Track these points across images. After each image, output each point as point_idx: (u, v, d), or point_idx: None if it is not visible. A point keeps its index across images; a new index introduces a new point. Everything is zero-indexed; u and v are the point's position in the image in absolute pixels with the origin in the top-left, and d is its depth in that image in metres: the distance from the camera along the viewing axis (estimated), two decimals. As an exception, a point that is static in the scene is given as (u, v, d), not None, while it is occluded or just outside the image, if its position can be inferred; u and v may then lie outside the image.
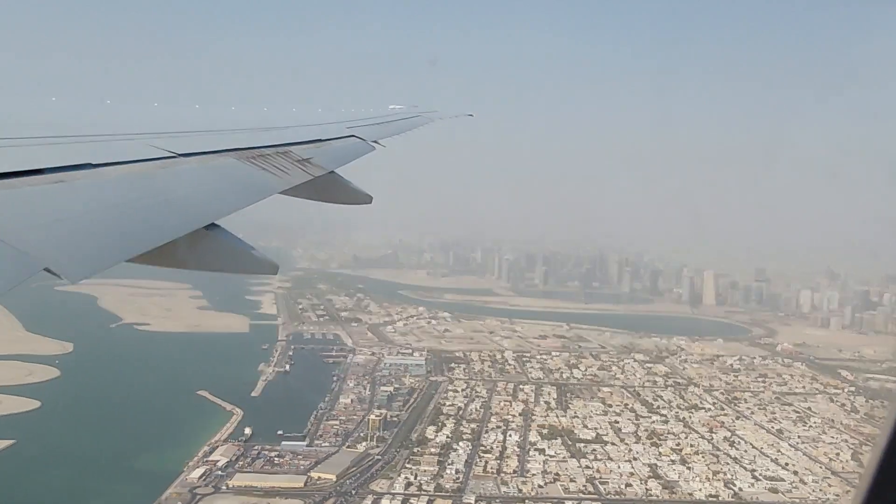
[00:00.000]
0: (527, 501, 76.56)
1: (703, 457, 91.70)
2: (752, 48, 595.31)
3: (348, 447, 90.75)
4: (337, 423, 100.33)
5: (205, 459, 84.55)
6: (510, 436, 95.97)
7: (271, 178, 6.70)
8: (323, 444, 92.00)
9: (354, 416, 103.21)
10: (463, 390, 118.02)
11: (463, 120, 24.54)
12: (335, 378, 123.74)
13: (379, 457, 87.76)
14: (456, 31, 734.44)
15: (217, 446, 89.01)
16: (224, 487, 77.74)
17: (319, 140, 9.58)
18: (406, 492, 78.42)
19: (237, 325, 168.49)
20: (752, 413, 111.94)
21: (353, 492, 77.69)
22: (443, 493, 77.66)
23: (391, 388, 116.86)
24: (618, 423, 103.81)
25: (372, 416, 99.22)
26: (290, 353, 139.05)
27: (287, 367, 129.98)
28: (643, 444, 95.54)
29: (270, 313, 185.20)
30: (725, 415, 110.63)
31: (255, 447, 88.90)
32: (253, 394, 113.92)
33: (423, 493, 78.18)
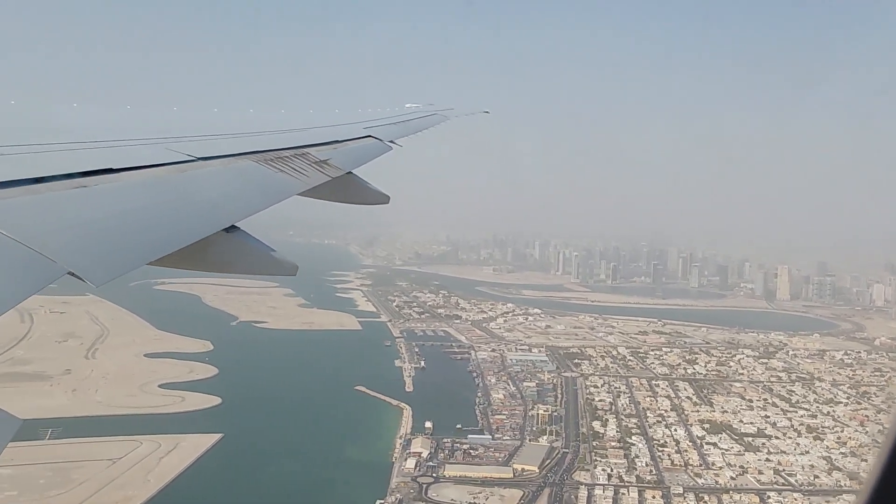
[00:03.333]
0: (731, 492, 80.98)
1: (869, 449, 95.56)
2: (786, 38, 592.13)
3: (531, 440, 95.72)
4: (503, 417, 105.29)
5: (408, 451, 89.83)
6: (675, 430, 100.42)
7: (289, 180, 6.80)
8: (504, 438, 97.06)
9: (515, 411, 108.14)
10: (601, 386, 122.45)
11: (489, 116, 24.75)
12: (473, 374, 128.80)
13: (566, 450, 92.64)
14: (472, 28, 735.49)
15: (410, 439, 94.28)
16: (441, 477, 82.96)
17: (336, 141, 9.70)
18: (609, 482, 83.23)
19: (348, 322, 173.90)
20: (890, 406, 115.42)
21: (563, 481, 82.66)
22: (649, 485, 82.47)
23: (533, 384, 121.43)
24: (768, 417, 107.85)
25: (540, 411, 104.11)
26: (417, 351, 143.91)
27: (422, 363, 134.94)
28: (805, 437, 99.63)
29: (370, 311, 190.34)
30: (865, 409, 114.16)
31: (446, 440, 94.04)
32: (407, 389, 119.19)
33: (628, 483, 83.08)
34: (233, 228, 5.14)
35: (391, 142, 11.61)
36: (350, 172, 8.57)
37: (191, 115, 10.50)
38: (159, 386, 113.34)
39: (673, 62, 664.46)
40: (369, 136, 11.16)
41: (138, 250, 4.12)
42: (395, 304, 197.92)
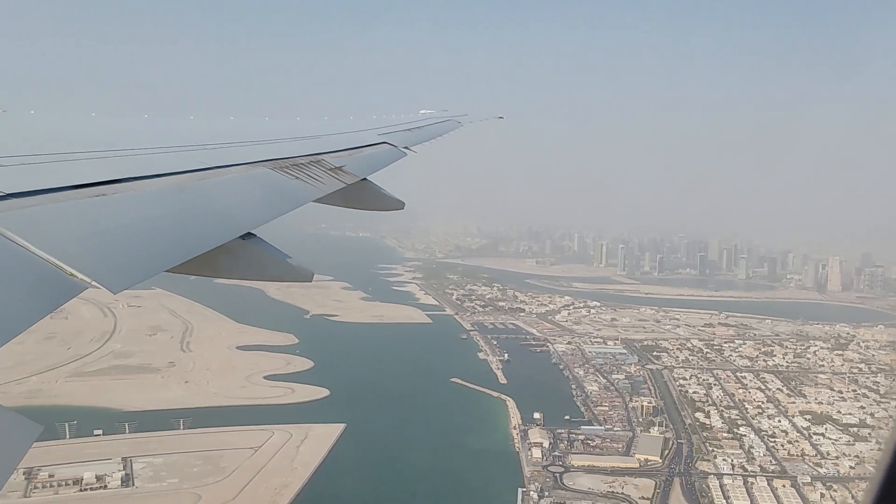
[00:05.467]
0: (856, 481, 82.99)
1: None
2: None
3: (642, 431, 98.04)
4: (605, 408, 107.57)
5: (529, 442, 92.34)
6: (779, 421, 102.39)
7: (305, 187, 6.87)
8: (615, 428, 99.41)
9: (615, 403, 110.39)
10: (689, 378, 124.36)
11: (513, 114, 26.21)
12: (559, 366, 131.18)
13: (679, 440, 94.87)
14: (485, 32, 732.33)
15: (525, 429, 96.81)
16: (570, 466, 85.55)
17: (351, 148, 9.76)
18: (735, 472, 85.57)
19: (416, 315, 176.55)
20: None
21: (690, 471, 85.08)
22: (775, 474, 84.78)
23: (622, 376, 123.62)
24: (864, 408, 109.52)
25: (643, 403, 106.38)
26: (495, 343, 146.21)
27: (505, 355, 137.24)
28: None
29: (433, 304, 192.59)
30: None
31: (560, 430, 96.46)
32: (500, 381, 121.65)
33: (754, 473, 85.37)
34: (249, 235, 5.25)
35: (406, 148, 11.73)
36: (365, 179, 8.64)
37: (207, 124, 10.65)
38: (264, 378, 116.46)
39: (708, 51, 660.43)
40: (384, 142, 11.32)
41: (156, 258, 4.19)
42: (454, 297, 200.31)
